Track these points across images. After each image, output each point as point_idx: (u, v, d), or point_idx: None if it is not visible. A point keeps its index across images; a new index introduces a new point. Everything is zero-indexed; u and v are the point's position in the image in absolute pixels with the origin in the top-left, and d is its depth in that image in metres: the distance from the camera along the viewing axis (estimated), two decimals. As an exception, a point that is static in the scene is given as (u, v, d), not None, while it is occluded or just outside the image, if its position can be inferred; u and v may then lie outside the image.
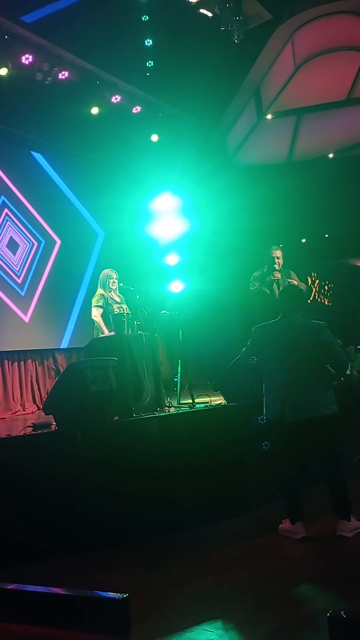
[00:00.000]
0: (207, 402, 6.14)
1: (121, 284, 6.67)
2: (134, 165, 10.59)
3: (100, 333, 6.38)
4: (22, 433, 5.06)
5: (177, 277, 10.43)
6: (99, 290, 6.63)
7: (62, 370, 8.35)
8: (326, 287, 13.12)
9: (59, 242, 9.97)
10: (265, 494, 4.97)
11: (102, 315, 6.47)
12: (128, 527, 4.56)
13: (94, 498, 4.50)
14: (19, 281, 9.25)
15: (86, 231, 10.56)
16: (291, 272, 6.84)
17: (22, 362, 9.20)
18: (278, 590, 3.39)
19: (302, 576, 3.62)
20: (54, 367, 9.61)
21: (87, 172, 10.60)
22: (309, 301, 12.83)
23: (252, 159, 11.81)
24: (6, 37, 7.84)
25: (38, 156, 9.96)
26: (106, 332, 6.25)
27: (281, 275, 6.70)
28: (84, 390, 4.82)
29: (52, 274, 9.77)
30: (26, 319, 9.25)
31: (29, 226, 9.56)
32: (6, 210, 9.23)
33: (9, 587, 1.45)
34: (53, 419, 5.10)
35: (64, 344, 9.76)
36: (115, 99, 9.37)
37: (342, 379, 5.63)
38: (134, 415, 5.36)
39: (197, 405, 6.09)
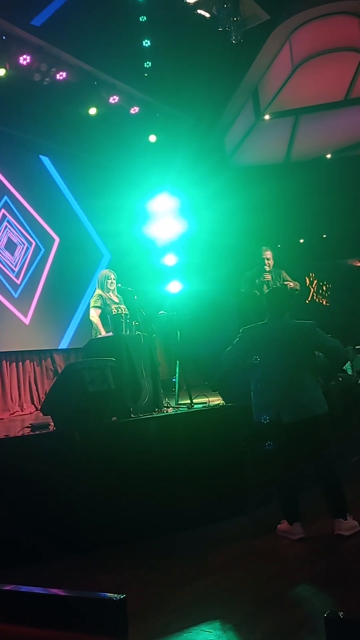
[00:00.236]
0: (206, 403, 6.14)
1: (119, 285, 6.67)
2: (131, 166, 10.59)
3: (98, 334, 6.38)
4: (20, 434, 5.06)
5: (175, 278, 10.43)
6: (97, 291, 6.63)
7: (60, 371, 8.35)
8: (324, 288, 13.14)
9: (57, 241, 9.96)
10: (265, 494, 4.97)
11: (100, 316, 6.47)
12: (127, 527, 4.56)
13: (93, 499, 4.50)
14: (18, 282, 9.24)
15: (85, 231, 10.55)
16: (282, 271, 6.82)
17: (20, 363, 9.19)
18: (276, 591, 3.39)
19: (300, 577, 3.62)
20: (52, 368, 9.60)
21: (85, 172, 10.59)
22: (307, 301, 12.85)
23: (250, 160, 11.82)
24: (4, 37, 7.84)
25: (36, 156, 9.95)
26: (104, 333, 6.24)
27: (272, 277, 6.69)
28: (82, 390, 4.82)
29: (51, 274, 9.77)
30: (26, 320, 9.24)
31: (27, 226, 9.55)
32: (4, 210, 9.22)
33: (5, 588, 1.45)
34: (51, 420, 5.10)
35: (64, 345, 9.76)
36: (113, 99, 9.37)
37: (331, 376, 5.65)
38: (132, 416, 5.36)
39: (195, 406, 6.09)
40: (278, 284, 6.63)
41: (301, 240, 12.85)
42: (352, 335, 10.87)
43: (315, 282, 12.96)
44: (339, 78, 10.21)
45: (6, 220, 9.22)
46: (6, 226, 9.21)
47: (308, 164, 11.91)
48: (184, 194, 10.52)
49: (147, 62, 9.56)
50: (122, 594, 1.34)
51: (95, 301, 6.51)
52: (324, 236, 12.87)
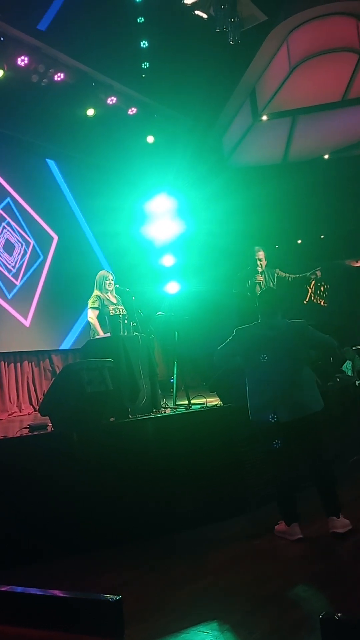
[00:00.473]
0: (203, 403, 6.14)
1: (117, 285, 6.67)
2: (129, 167, 10.59)
3: (96, 334, 6.38)
4: (18, 434, 5.06)
5: (173, 279, 10.44)
6: (95, 292, 6.63)
7: (58, 372, 8.34)
8: (322, 288, 13.13)
9: (55, 239, 9.96)
10: (265, 494, 4.97)
11: (98, 317, 6.46)
12: (126, 527, 4.56)
13: (92, 499, 4.50)
14: (17, 283, 9.24)
15: (82, 232, 10.55)
16: (276, 270, 6.79)
17: (19, 364, 9.19)
18: (275, 591, 3.39)
19: (299, 577, 3.62)
20: (50, 369, 9.60)
21: (82, 173, 10.60)
22: (304, 302, 12.85)
23: (248, 160, 11.84)
24: (1, 39, 7.84)
25: (35, 157, 9.95)
26: (102, 334, 6.24)
27: (264, 277, 6.67)
28: (80, 391, 4.81)
29: (50, 274, 9.76)
30: (27, 323, 9.24)
31: (24, 226, 9.55)
32: (1, 211, 9.22)
33: (2, 589, 1.45)
34: (49, 421, 5.09)
35: (66, 345, 9.76)
36: (111, 100, 9.38)
37: (329, 375, 5.67)
38: (130, 417, 5.36)
39: (193, 406, 6.10)
40: (271, 284, 6.61)
41: (299, 241, 12.85)
42: (350, 336, 10.87)
43: (313, 282, 12.95)
44: (337, 78, 10.23)
45: (5, 222, 9.22)
46: (4, 227, 9.20)
47: (306, 164, 11.92)
48: (181, 194, 10.53)
49: (145, 63, 9.59)
50: (119, 595, 1.34)
51: (93, 302, 6.51)
52: (322, 237, 12.88)
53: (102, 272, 6.83)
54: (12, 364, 9.09)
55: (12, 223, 9.33)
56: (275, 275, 6.71)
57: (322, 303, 13.33)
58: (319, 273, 6.72)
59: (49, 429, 5.07)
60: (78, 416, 4.80)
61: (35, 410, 8.82)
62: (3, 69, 7.95)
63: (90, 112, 9.24)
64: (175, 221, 10.35)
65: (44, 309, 9.55)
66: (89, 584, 3.78)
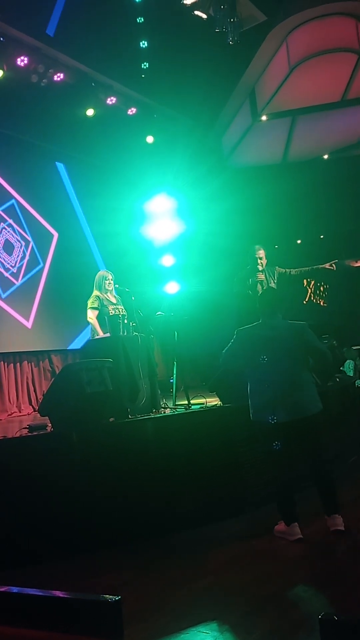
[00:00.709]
0: (203, 404, 6.14)
1: (117, 285, 6.67)
2: (129, 167, 10.60)
3: (95, 334, 6.38)
4: (18, 435, 5.05)
5: (173, 279, 10.45)
6: (95, 292, 6.63)
7: (57, 372, 8.34)
8: (322, 288, 13.14)
9: (55, 236, 9.96)
10: (264, 494, 4.97)
11: (98, 317, 6.47)
12: (126, 527, 4.56)
13: (91, 499, 4.50)
14: (16, 282, 9.23)
15: (83, 232, 10.55)
16: (276, 267, 6.77)
17: (18, 364, 9.19)
18: (274, 592, 3.39)
19: (299, 577, 3.62)
20: (50, 369, 9.60)
21: (82, 173, 10.60)
22: (304, 302, 12.86)
23: (247, 161, 11.84)
24: (1, 39, 7.84)
25: (35, 157, 9.94)
26: (101, 334, 6.24)
27: (265, 276, 6.65)
28: (79, 391, 4.81)
29: (51, 274, 9.77)
30: (28, 324, 9.24)
31: (25, 227, 9.55)
32: (1, 212, 9.22)
33: (1, 590, 1.45)
34: (49, 421, 5.09)
35: (72, 346, 9.76)
36: (111, 100, 9.38)
37: (330, 380, 5.66)
38: (130, 417, 5.36)
39: (193, 407, 6.09)
40: (272, 282, 6.60)
41: (298, 241, 12.86)
42: (350, 336, 10.88)
43: (313, 282, 12.97)
44: (336, 79, 10.24)
45: (6, 223, 9.21)
46: (4, 228, 9.19)
47: (305, 164, 11.93)
48: (181, 194, 10.53)
49: (145, 63, 9.59)
50: (118, 596, 1.34)
51: (92, 302, 6.51)
52: (322, 237, 12.88)
53: (101, 272, 6.82)
54: (12, 364, 9.09)
55: (13, 224, 9.32)
56: (276, 272, 6.68)
57: (321, 303, 13.34)
58: (334, 266, 6.69)
59: (49, 429, 5.07)
60: (77, 416, 4.80)
61: (34, 411, 8.82)
62: (3, 69, 7.95)
63: (90, 112, 9.24)
64: (174, 221, 10.36)
65: (46, 310, 9.55)
66: (89, 584, 3.78)
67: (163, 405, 6.24)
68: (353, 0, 8.99)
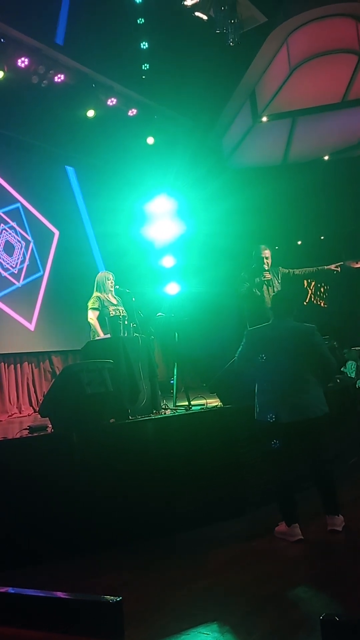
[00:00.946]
0: (203, 404, 6.14)
1: (117, 287, 6.68)
2: (129, 168, 10.61)
3: (96, 335, 6.38)
4: (18, 436, 5.06)
5: (173, 280, 10.44)
6: (95, 293, 6.63)
7: (58, 373, 8.34)
8: (322, 289, 13.15)
9: (56, 236, 9.96)
10: (265, 495, 4.97)
11: (98, 318, 6.47)
12: (126, 528, 4.56)
13: (92, 500, 4.50)
14: (18, 283, 9.23)
15: (84, 232, 10.56)
16: (279, 268, 6.78)
17: (19, 365, 9.19)
18: (275, 592, 3.39)
19: (299, 578, 3.63)
20: (50, 370, 9.60)
21: (82, 173, 10.60)
22: (304, 303, 12.87)
23: (248, 161, 11.84)
24: (2, 40, 7.85)
25: (35, 157, 9.96)
26: (102, 335, 6.25)
27: (271, 276, 6.65)
28: (79, 392, 4.82)
29: (52, 274, 9.77)
30: (31, 327, 9.25)
31: (27, 228, 9.55)
32: (2, 214, 9.22)
33: (1, 590, 1.45)
34: (49, 422, 5.10)
35: (75, 346, 9.76)
36: (111, 101, 9.39)
37: (330, 383, 5.67)
38: (130, 418, 5.36)
39: (193, 407, 6.09)
40: (276, 282, 6.60)
41: (299, 242, 12.87)
42: (350, 337, 10.89)
43: (313, 283, 12.98)
44: (336, 80, 10.24)
45: (7, 225, 9.21)
46: (5, 230, 9.19)
47: (305, 165, 11.93)
48: (181, 195, 10.53)
49: (145, 64, 9.61)
50: (119, 597, 1.34)
51: (93, 303, 6.51)
52: (322, 238, 12.89)
53: (102, 273, 6.83)
54: (12, 365, 9.09)
55: (15, 226, 9.33)
56: (279, 273, 6.70)
57: (322, 304, 13.34)
58: (339, 268, 6.72)
59: (49, 430, 5.07)
60: (78, 417, 4.81)
61: (35, 412, 8.82)
62: (3, 70, 7.95)
63: (91, 113, 9.25)
64: (175, 222, 10.35)
65: (48, 312, 9.55)
66: (89, 585, 3.78)
67: (163, 406, 6.24)
68: (353, 2, 9.00)
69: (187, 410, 6.00)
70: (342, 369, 8.96)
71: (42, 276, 9.68)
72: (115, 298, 6.65)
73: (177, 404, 6.64)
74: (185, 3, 8.12)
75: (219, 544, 4.35)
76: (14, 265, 9.22)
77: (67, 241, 10.11)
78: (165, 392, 7.40)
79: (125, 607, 1.40)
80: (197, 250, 10.77)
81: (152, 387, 5.99)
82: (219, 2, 8.08)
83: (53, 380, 8.33)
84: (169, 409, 6.29)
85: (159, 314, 7.60)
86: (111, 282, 6.62)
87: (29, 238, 9.57)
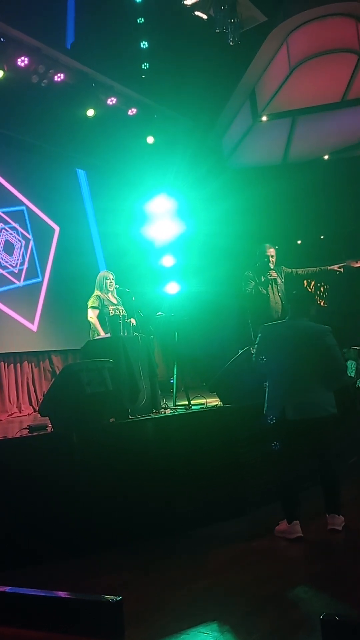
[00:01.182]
0: (203, 404, 6.14)
1: (117, 286, 6.68)
2: (129, 167, 10.60)
3: (96, 335, 6.38)
4: (18, 435, 5.06)
5: (173, 279, 10.44)
6: (96, 292, 6.64)
7: (58, 372, 8.34)
8: (322, 289, 13.15)
9: (56, 233, 9.95)
10: (265, 495, 4.97)
11: (98, 317, 6.47)
12: (126, 528, 4.56)
13: (91, 500, 4.50)
14: (19, 283, 9.22)
15: (83, 232, 10.56)
16: (282, 267, 6.77)
17: (18, 364, 9.18)
18: (274, 592, 3.39)
19: (299, 578, 3.63)
20: (50, 369, 9.60)
21: (82, 173, 10.59)
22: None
23: (248, 161, 11.83)
24: (2, 39, 7.84)
25: (35, 157, 9.95)
26: (102, 334, 6.25)
27: (276, 274, 6.65)
28: (79, 392, 4.82)
29: (53, 275, 9.76)
30: (34, 327, 9.24)
31: (29, 226, 9.54)
32: (1, 213, 9.22)
33: (1, 590, 1.45)
34: (49, 421, 5.10)
35: (75, 346, 9.77)
36: (111, 101, 9.38)
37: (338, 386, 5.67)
38: (130, 417, 5.36)
39: (193, 407, 6.09)
40: (280, 281, 6.61)
41: (299, 242, 12.86)
42: (350, 336, 10.87)
43: (313, 283, 12.97)
44: (336, 79, 10.22)
45: (8, 225, 9.20)
46: (5, 230, 9.18)
47: (305, 165, 11.92)
48: (181, 195, 10.53)
49: (145, 64, 9.59)
50: (119, 596, 1.34)
51: (93, 302, 6.52)
52: (322, 237, 12.88)
53: (102, 273, 6.84)
54: (12, 365, 9.08)
55: (16, 226, 9.32)
56: (283, 272, 6.70)
57: (322, 303, 13.34)
58: (342, 269, 6.72)
59: (49, 429, 5.07)
60: (78, 417, 4.81)
61: (35, 411, 8.81)
62: (3, 69, 7.94)
63: (90, 112, 9.24)
64: (175, 222, 10.35)
65: (49, 312, 9.54)
66: (89, 585, 3.78)
67: (163, 406, 6.24)
68: (353, 1, 8.98)
69: (187, 409, 6.00)
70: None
71: (42, 275, 9.67)
72: (115, 298, 6.65)
73: (177, 404, 6.64)
74: (185, 2, 8.11)
75: (219, 544, 4.35)
76: (14, 265, 9.21)
77: (68, 240, 10.10)
78: (165, 391, 7.40)
79: (125, 607, 1.40)
80: (197, 250, 10.77)
81: (152, 386, 5.99)
82: (218, 1, 8.07)
83: (53, 379, 8.32)
84: (169, 408, 6.29)
85: (159, 313, 7.61)
86: (110, 282, 6.62)
87: (29, 237, 9.56)
